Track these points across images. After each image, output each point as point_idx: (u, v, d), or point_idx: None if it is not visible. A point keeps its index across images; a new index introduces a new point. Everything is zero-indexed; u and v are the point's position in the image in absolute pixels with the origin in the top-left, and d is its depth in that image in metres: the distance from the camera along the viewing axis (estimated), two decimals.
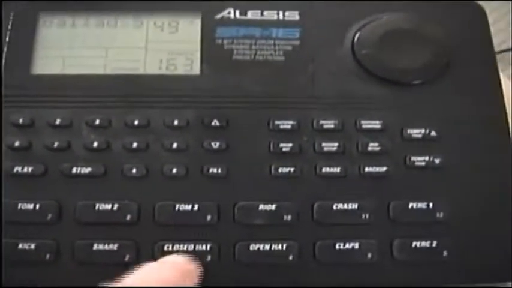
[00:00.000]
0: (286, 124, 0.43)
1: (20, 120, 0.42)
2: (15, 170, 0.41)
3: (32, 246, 0.39)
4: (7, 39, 0.45)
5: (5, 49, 0.44)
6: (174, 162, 0.42)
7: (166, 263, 0.38)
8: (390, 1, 0.47)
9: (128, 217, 0.40)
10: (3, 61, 0.44)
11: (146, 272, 0.36)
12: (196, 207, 0.41)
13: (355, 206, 0.41)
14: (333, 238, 0.40)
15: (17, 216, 0.40)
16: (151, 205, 0.41)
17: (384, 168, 0.42)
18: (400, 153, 0.42)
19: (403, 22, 0.46)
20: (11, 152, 0.42)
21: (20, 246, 0.39)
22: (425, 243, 0.40)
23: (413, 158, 0.42)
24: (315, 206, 0.41)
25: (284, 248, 0.40)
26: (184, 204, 0.41)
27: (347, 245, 0.40)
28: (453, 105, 0.44)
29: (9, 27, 0.45)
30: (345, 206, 0.41)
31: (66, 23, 0.46)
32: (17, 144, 0.42)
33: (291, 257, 0.40)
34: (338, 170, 0.42)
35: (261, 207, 0.41)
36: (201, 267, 0.38)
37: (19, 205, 0.40)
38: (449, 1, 0.48)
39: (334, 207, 0.41)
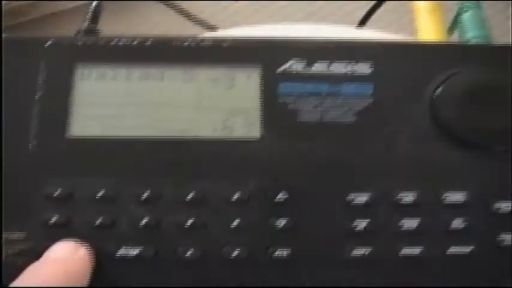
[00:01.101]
0: (361, 198, 0.39)
1: (56, 193, 0.38)
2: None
3: None
4: (39, 94, 0.41)
5: (36, 106, 0.40)
6: (234, 242, 0.38)
7: (46, 262, 0.35)
8: (471, 49, 0.44)
9: None
10: (36, 121, 0.40)
11: (25, 275, 0.33)
12: None
13: None
14: None
15: None
16: None
17: (470, 248, 0.38)
18: (487, 231, 0.39)
19: (488, 77, 0.41)
20: (44, 230, 0.38)
21: None
22: None
23: (502, 236, 0.39)
24: None
25: None
26: None
27: None
28: None
29: (40, 80, 0.41)
30: None
31: (106, 75, 0.42)
32: (53, 220, 0.38)
33: None
34: (418, 250, 0.38)
35: None
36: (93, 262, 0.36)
37: None
38: None
39: None
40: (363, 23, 0.63)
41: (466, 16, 0.49)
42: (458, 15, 0.49)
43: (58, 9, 0.99)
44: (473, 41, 0.48)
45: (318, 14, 0.92)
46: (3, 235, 0.38)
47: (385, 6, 0.61)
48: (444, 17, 0.49)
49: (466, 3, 0.49)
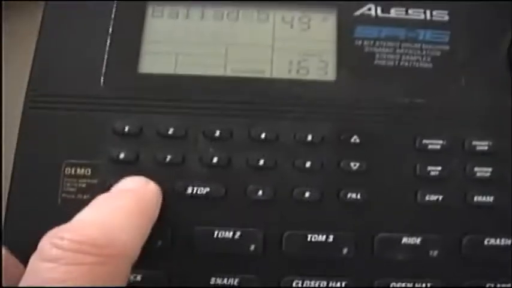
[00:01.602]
0: (435, 144, 0.39)
1: (126, 128, 0.39)
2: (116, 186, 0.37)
3: (138, 278, 0.37)
4: (110, 30, 0.41)
5: (108, 42, 0.41)
6: (306, 184, 0.38)
7: (117, 192, 0.36)
8: None
9: (252, 247, 0.37)
10: (106, 56, 0.40)
11: (97, 201, 0.34)
12: (331, 238, 0.37)
13: (509, 241, 0.38)
14: (481, 277, 0.38)
15: None
16: (279, 234, 0.37)
17: None
18: None
19: None
20: (113, 166, 0.38)
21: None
22: None
23: None
24: (464, 240, 0.38)
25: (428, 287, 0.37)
26: (318, 234, 0.37)
27: (498, 286, 0.37)
28: None
29: (112, 16, 0.41)
30: (498, 241, 0.38)
31: (179, 13, 0.42)
32: (122, 156, 0.38)
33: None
34: (491, 199, 0.38)
35: (404, 240, 0.38)
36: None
37: None
38: None
39: (486, 242, 0.38)
40: None
41: None
42: None
43: None
44: None
45: None
46: (65, 171, 0.38)
47: None
48: None
49: None
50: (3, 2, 0.51)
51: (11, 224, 0.37)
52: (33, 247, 0.31)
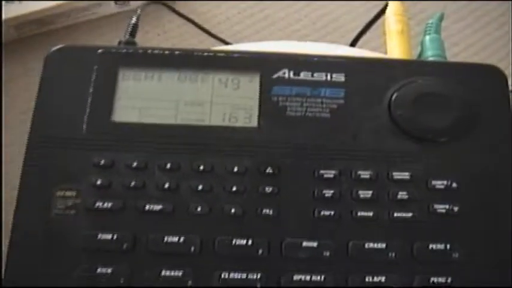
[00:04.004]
0: (329, 173, 0.55)
1: (102, 162, 0.54)
2: (96, 205, 0.52)
3: (109, 270, 0.50)
4: (91, 90, 0.58)
5: (89, 99, 0.57)
6: (233, 203, 0.53)
7: None
8: (423, 64, 0.61)
9: (192, 248, 0.51)
10: (88, 109, 0.57)
11: None
12: (250, 242, 0.52)
13: (383, 245, 0.52)
14: (363, 272, 0.51)
15: (96, 244, 0.51)
16: (212, 239, 0.52)
17: (410, 214, 0.54)
18: (425, 201, 0.54)
19: (433, 86, 0.58)
20: (92, 190, 0.53)
21: (99, 270, 0.50)
22: (441, 279, 0.52)
23: (435, 206, 0.54)
24: (350, 244, 0.52)
25: (323, 279, 0.51)
26: (240, 239, 0.52)
27: (375, 279, 0.51)
28: (474, 161, 0.56)
29: (93, 78, 0.58)
30: (375, 245, 0.52)
31: (142, 77, 0.58)
32: (98, 182, 0.53)
33: (327, 287, 0.50)
34: (371, 214, 0.53)
35: (305, 244, 0.52)
36: None
37: (99, 235, 0.51)
38: (473, 65, 0.61)
39: (366, 246, 0.52)
40: (354, 43, 0.82)
41: (427, 38, 0.65)
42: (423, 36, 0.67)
43: (79, 20, 1.18)
44: (430, 59, 0.65)
45: (320, 32, 1.13)
46: (57, 193, 0.54)
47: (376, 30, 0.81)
48: (409, 39, 0.67)
49: (429, 26, 0.64)
50: None
51: (16, 234, 0.52)
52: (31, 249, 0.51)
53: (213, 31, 1.13)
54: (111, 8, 1.19)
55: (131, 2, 1.19)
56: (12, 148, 1.03)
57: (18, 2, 1.12)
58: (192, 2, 1.20)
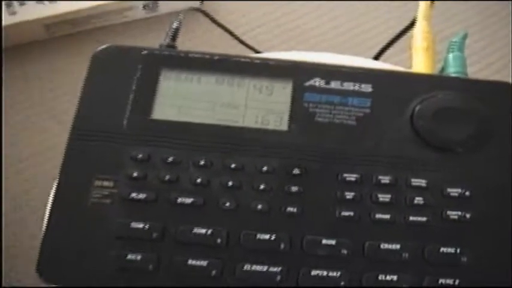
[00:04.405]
0: (351, 177, 0.58)
1: (139, 156, 0.57)
2: (131, 195, 0.55)
3: (138, 257, 0.53)
4: (133, 87, 0.61)
5: (131, 96, 0.61)
6: (260, 200, 0.56)
7: None
8: (445, 80, 0.66)
9: (219, 240, 0.54)
10: (129, 106, 0.60)
11: None
12: (273, 237, 0.54)
13: (398, 246, 0.54)
14: (377, 271, 0.54)
15: (128, 233, 0.54)
16: (238, 232, 0.54)
17: (425, 219, 0.56)
18: (439, 207, 0.56)
19: (453, 100, 0.62)
20: (128, 181, 0.56)
21: (129, 257, 0.53)
22: (449, 281, 0.54)
23: (449, 212, 0.58)
24: (367, 244, 0.55)
25: (339, 275, 0.55)
26: (265, 234, 0.55)
27: (388, 277, 0.53)
28: (487, 171, 0.59)
29: (136, 77, 0.61)
30: (390, 246, 0.55)
31: (182, 78, 0.61)
32: (134, 174, 0.56)
33: (342, 283, 0.53)
34: (388, 217, 0.56)
35: (324, 241, 0.54)
36: None
37: (131, 224, 0.54)
38: (489, 82, 0.65)
39: (382, 246, 0.55)
40: (377, 57, 0.87)
41: (450, 56, 0.66)
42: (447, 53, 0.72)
43: (108, 23, 1.20)
44: (452, 75, 0.67)
45: (343, 46, 1.17)
46: (95, 183, 0.57)
47: (400, 44, 0.86)
48: (434, 56, 0.71)
49: (452, 44, 0.67)
50: None
51: (53, 219, 0.55)
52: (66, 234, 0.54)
53: (242, 38, 1.17)
54: (140, 13, 1.24)
55: (159, 7, 1.24)
56: None
57: (48, 2, 1.16)
58: (221, 9, 1.23)
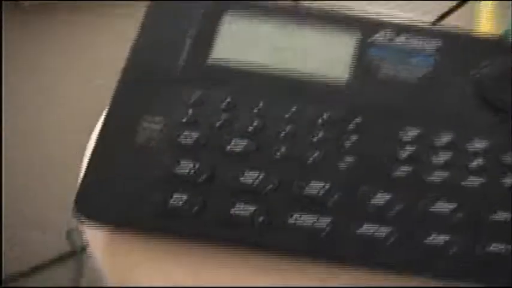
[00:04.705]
0: (409, 135, 0.58)
1: (192, 99, 0.57)
2: (180, 138, 0.56)
3: (183, 199, 0.53)
4: (191, 32, 0.61)
5: (188, 40, 0.61)
6: (314, 149, 0.56)
7: None
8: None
9: (268, 187, 0.54)
10: (187, 47, 0.61)
11: None
12: (325, 187, 0.54)
13: (450, 207, 0.55)
14: (429, 230, 0.54)
15: (174, 174, 0.54)
16: (289, 181, 0.54)
17: (481, 182, 0.56)
18: (495, 172, 0.56)
19: None
20: (179, 124, 0.56)
21: (173, 198, 0.53)
22: (501, 246, 0.54)
23: (504, 179, 0.57)
24: (420, 202, 0.55)
25: (388, 232, 0.54)
26: (316, 183, 0.55)
27: (439, 237, 0.54)
28: None
29: (195, 22, 0.61)
30: (443, 206, 0.55)
31: (242, 23, 0.61)
32: (186, 117, 0.56)
33: (392, 239, 0.53)
34: (443, 177, 0.56)
35: (378, 196, 0.55)
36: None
37: (178, 165, 0.54)
38: None
39: (434, 206, 0.55)
40: (440, 19, 0.87)
41: None
42: None
43: None
44: None
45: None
46: (143, 124, 0.57)
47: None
48: (499, 20, 0.71)
49: None
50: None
51: (97, 157, 0.56)
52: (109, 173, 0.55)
53: None
54: None
55: None
56: None
57: None
58: None
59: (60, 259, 1.13)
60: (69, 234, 1.12)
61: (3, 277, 0.99)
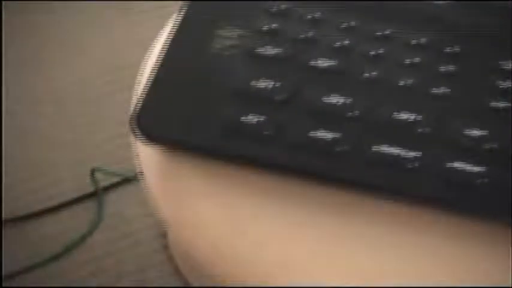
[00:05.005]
0: (508, 66, 0.54)
1: (274, 8, 0.54)
2: (258, 50, 0.52)
3: (255, 120, 0.48)
4: None
5: None
6: (405, 75, 0.51)
7: None
8: None
9: (351, 113, 0.49)
10: None
11: None
12: (413, 117, 0.50)
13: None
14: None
15: (250, 90, 0.50)
16: (375, 107, 0.50)
17: None
18: None
19: None
20: (258, 34, 0.53)
21: (244, 117, 0.48)
22: None
23: None
24: None
25: (482, 171, 0.48)
26: (405, 112, 0.50)
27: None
28: None
29: None
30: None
31: None
32: (266, 27, 0.53)
33: (485, 179, 0.48)
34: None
35: (471, 132, 0.50)
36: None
37: (255, 80, 0.50)
38: None
39: None
40: None
41: None
42: None
43: None
44: None
45: None
46: (218, 32, 0.53)
47: None
48: None
49: None
50: None
51: (164, 66, 0.51)
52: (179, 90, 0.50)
53: None
54: None
55: None
56: None
57: None
58: None
59: (79, 200, 1.07)
60: (93, 172, 1.06)
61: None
